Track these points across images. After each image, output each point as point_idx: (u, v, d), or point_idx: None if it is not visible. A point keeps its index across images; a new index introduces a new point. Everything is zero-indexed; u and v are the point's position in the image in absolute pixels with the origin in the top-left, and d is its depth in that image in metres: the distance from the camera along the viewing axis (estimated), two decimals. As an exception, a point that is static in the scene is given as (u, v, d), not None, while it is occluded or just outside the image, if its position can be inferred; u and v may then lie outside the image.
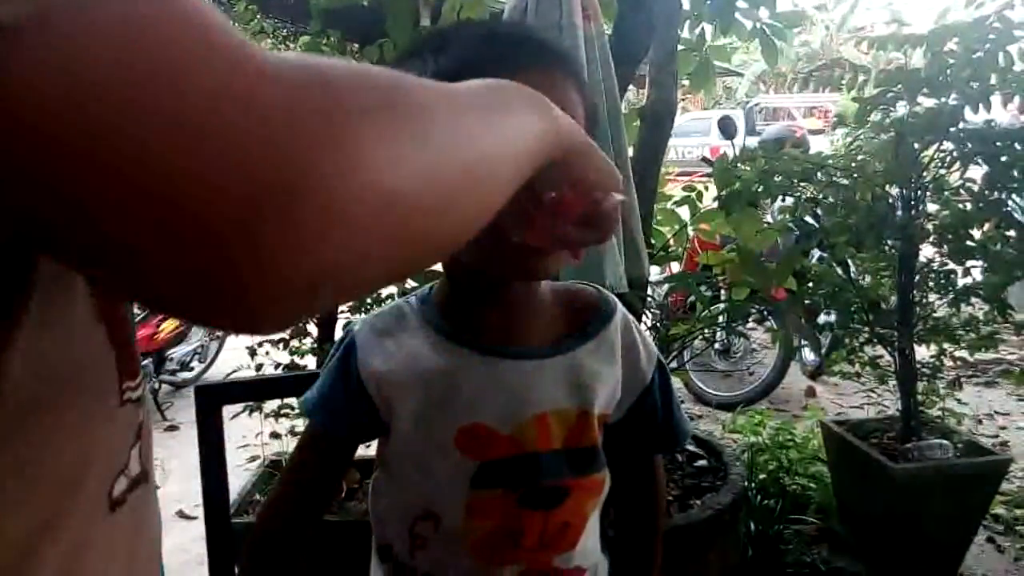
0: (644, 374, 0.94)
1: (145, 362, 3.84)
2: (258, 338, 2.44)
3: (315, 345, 2.40)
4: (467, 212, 0.38)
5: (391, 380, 0.86)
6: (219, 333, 4.66)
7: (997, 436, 3.85)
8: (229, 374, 2.50)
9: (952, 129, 2.47)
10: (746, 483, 2.50)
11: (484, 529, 0.86)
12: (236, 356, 3.12)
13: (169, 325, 4.27)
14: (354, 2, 2.29)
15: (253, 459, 2.69)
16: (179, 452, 3.30)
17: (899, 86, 2.41)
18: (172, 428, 3.93)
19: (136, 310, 3.57)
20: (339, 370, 0.89)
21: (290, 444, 2.60)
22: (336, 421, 0.90)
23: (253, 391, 1.62)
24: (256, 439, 2.49)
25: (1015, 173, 2.49)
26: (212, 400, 1.23)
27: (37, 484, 0.38)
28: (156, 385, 4.16)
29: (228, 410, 2.76)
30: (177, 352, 4.41)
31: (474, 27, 0.99)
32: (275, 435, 2.51)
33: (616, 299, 0.95)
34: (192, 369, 4.58)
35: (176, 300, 0.29)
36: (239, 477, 2.60)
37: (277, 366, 2.39)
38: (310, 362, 2.47)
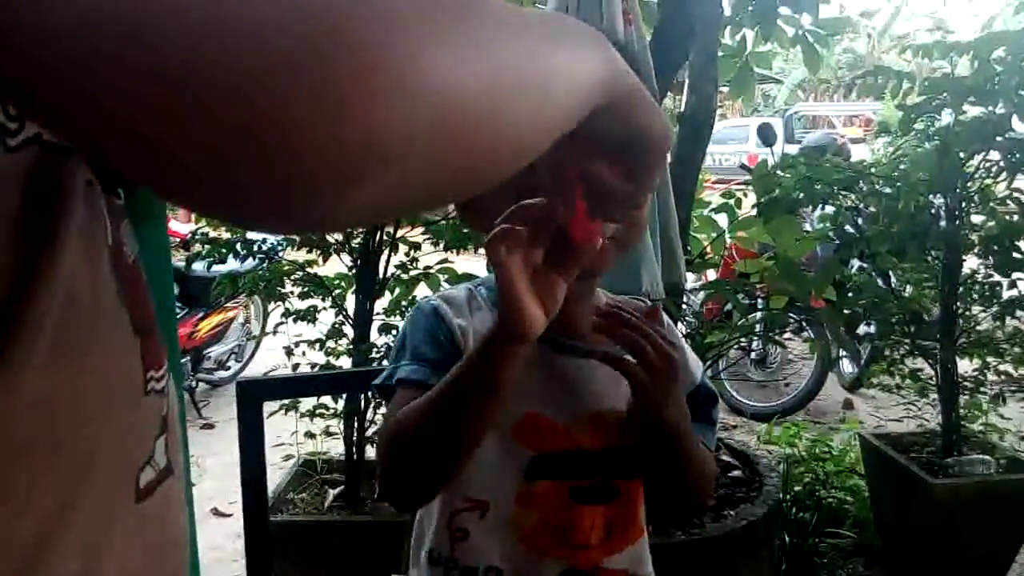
0: (693, 375, 0.96)
1: (183, 360, 3.89)
2: (296, 339, 2.47)
3: (351, 346, 2.41)
4: (522, 131, 0.36)
5: (467, 351, 0.83)
6: (255, 333, 4.72)
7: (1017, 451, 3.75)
8: (266, 373, 2.52)
9: (999, 138, 2.42)
10: (781, 495, 2.47)
11: (534, 520, 0.87)
12: (272, 356, 3.16)
13: (207, 324, 4.33)
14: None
15: (288, 458, 2.72)
16: (216, 450, 3.35)
17: (944, 94, 2.36)
18: (208, 426, 3.98)
19: (177, 306, 3.59)
20: (429, 329, 0.88)
21: (324, 444, 2.63)
22: (435, 375, 0.85)
23: (294, 387, 1.64)
24: (291, 438, 2.51)
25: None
26: (254, 395, 1.24)
27: (59, 454, 0.38)
28: (193, 383, 4.21)
29: (264, 408, 2.79)
30: (214, 351, 4.47)
31: None
32: (310, 435, 2.53)
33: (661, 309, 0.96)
34: (229, 368, 4.63)
35: (205, 171, 0.25)
36: (274, 475, 2.63)
37: (313, 366, 2.41)
38: (345, 363, 2.49)
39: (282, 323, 2.48)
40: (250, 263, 2.58)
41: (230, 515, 2.88)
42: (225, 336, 4.55)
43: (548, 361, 0.87)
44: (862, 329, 2.98)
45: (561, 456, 0.87)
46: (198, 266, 2.70)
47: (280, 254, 2.61)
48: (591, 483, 0.88)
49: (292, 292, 2.45)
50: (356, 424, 2.42)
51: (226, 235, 2.48)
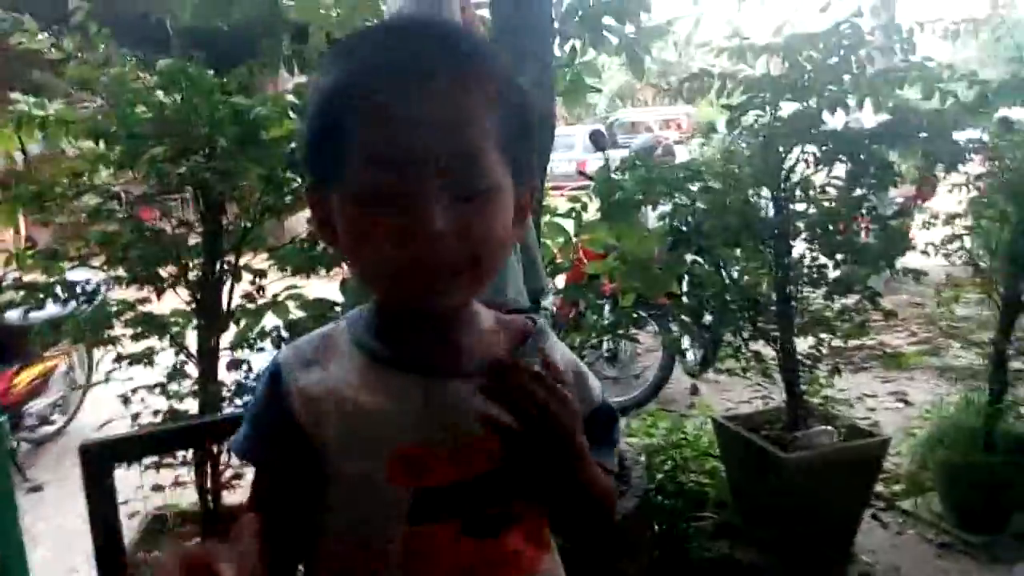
0: (593, 396, 0.91)
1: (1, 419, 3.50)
2: (130, 384, 2.27)
3: (196, 387, 2.24)
4: None
5: (319, 408, 0.81)
6: (80, 382, 4.32)
7: (867, 418, 4.07)
8: (101, 426, 2.30)
9: (814, 131, 2.60)
10: (647, 486, 2.53)
11: (433, 570, 0.80)
12: (103, 405, 2.89)
13: (25, 378, 3.91)
14: (217, 23, 2.18)
15: (133, 515, 2.48)
16: (45, 514, 3.03)
17: (765, 93, 2.51)
18: (35, 489, 3.60)
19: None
20: (265, 398, 0.84)
21: (174, 496, 2.43)
22: (270, 452, 0.85)
23: (147, 445, 1.47)
24: (136, 492, 2.30)
25: (872, 170, 2.65)
26: (101, 459, 1.10)
27: None
28: (15, 444, 3.79)
29: (103, 465, 2.54)
30: (35, 406, 4.04)
31: (384, 29, 0.95)
32: (158, 487, 2.33)
33: (547, 327, 0.92)
34: (54, 423, 4.21)
35: None
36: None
37: (156, 413, 2.21)
38: (191, 405, 2.31)
39: (114, 369, 2.27)
40: (71, 306, 2.35)
41: (71, 587, 2.60)
42: (47, 389, 4.12)
43: (427, 393, 0.81)
44: (707, 318, 3.12)
45: (446, 490, 0.80)
46: (12, 314, 2.43)
47: (103, 294, 2.39)
48: (489, 513, 0.82)
49: (124, 334, 2.24)
50: (209, 471, 2.26)
51: (41, 278, 2.25)
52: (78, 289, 2.20)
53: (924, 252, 2.74)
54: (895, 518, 3.10)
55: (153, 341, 2.26)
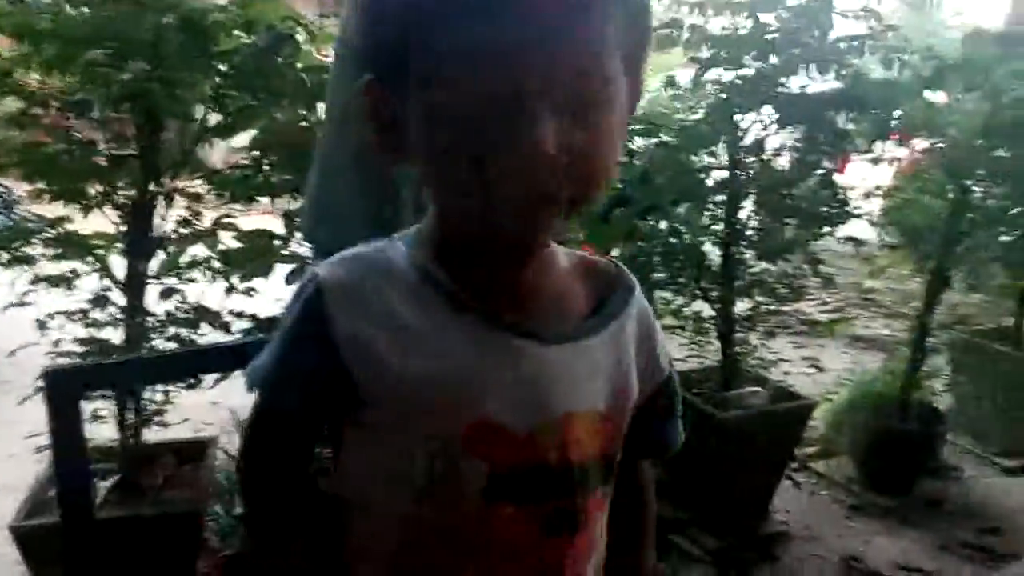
0: (662, 369, 0.80)
1: None
2: (48, 309, 2.08)
3: (123, 316, 2.07)
4: None
5: (376, 349, 0.66)
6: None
7: (782, 382, 4.20)
8: (12, 352, 2.11)
9: (772, 94, 2.58)
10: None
11: (496, 557, 0.69)
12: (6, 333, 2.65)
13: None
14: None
15: (41, 450, 2.31)
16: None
17: (730, 50, 2.48)
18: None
19: None
20: (300, 337, 0.69)
21: (91, 432, 2.26)
22: (298, 403, 0.71)
23: (125, 373, 1.32)
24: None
25: (822, 136, 2.67)
26: (68, 388, 0.97)
27: None
28: None
29: (15, 391, 2.35)
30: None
31: None
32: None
33: (632, 276, 0.79)
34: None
35: None
36: (26, 472, 2.24)
37: (80, 342, 2.04)
38: (112, 335, 2.14)
39: (31, 291, 2.07)
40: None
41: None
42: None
43: (506, 354, 0.68)
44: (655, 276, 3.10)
45: (524, 473, 0.68)
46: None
47: (19, 208, 2.18)
48: (562, 506, 0.70)
49: (43, 255, 2.04)
50: (131, 404, 2.11)
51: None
52: (-2, 201, 1.98)
53: (872, 222, 2.80)
54: (808, 479, 3.22)
55: (74, 264, 2.07)
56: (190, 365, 1.38)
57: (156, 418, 2.23)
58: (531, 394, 0.68)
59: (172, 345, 2.05)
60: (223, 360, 1.26)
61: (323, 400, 0.70)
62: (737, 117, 2.62)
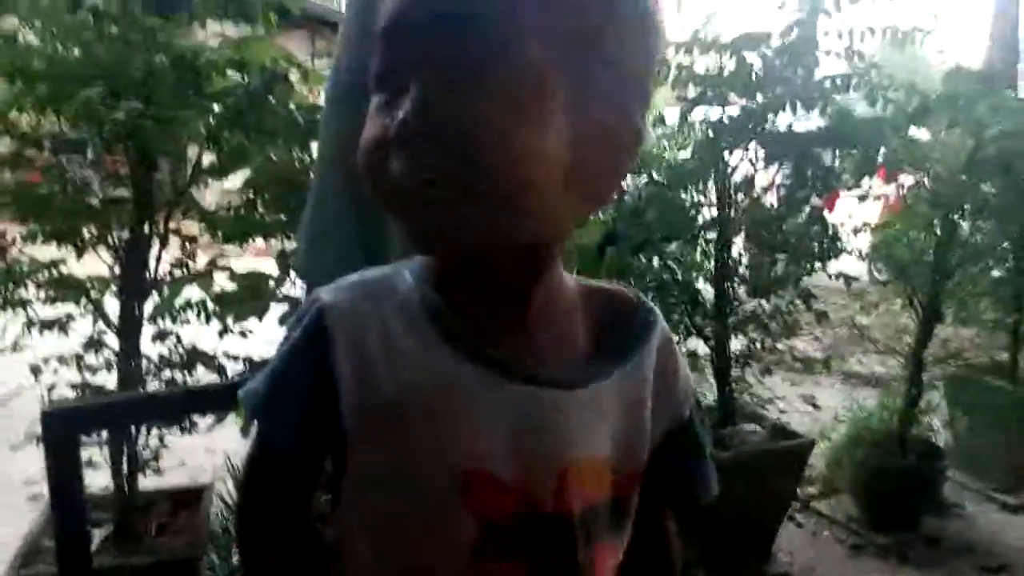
0: (679, 408, 0.74)
1: None
2: (42, 354, 2.06)
3: (117, 359, 2.06)
4: None
5: (372, 377, 0.63)
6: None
7: (778, 420, 4.18)
8: (3, 403, 2.08)
9: (759, 131, 2.62)
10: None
11: None
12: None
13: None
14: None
15: (35, 499, 2.28)
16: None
17: (717, 89, 2.52)
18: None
19: None
20: (302, 355, 0.66)
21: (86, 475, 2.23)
22: (293, 431, 0.67)
23: (123, 413, 1.29)
24: (41, 473, 2.10)
25: (809, 173, 2.71)
26: (65, 428, 0.95)
27: None
28: None
29: (6, 439, 2.31)
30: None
31: None
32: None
33: (655, 307, 0.74)
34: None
35: None
36: (20, 522, 2.20)
37: (75, 387, 2.02)
38: (106, 379, 2.12)
39: (22, 336, 2.05)
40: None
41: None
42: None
43: (503, 397, 0.64)
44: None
45: (520, 526, 0.64)
46: None
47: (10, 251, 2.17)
48: (562, 558, 0.66)
49: (37, 298, 2.03)
50: (126, 450, 2.08)
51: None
52: (-8, 243, 1.98)
53: (861, 257, 2.82)
54: (809, 519, 3.18)
55: (69, 307, 2.06)
56: (189, 404, 1.36)
57: (151, 463, 2.20)
58: (530, 442, 0.64)
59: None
60: (223, 398, 1.25)
61: (318, 424, 0.66)
62: (725, 154, 2.65)
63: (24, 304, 2.00)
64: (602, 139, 0.60)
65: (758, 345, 2.81)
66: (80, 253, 2.00)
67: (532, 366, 0.65)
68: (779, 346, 2.94)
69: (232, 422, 2.19)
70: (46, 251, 2.01)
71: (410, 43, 0.56)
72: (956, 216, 2.79)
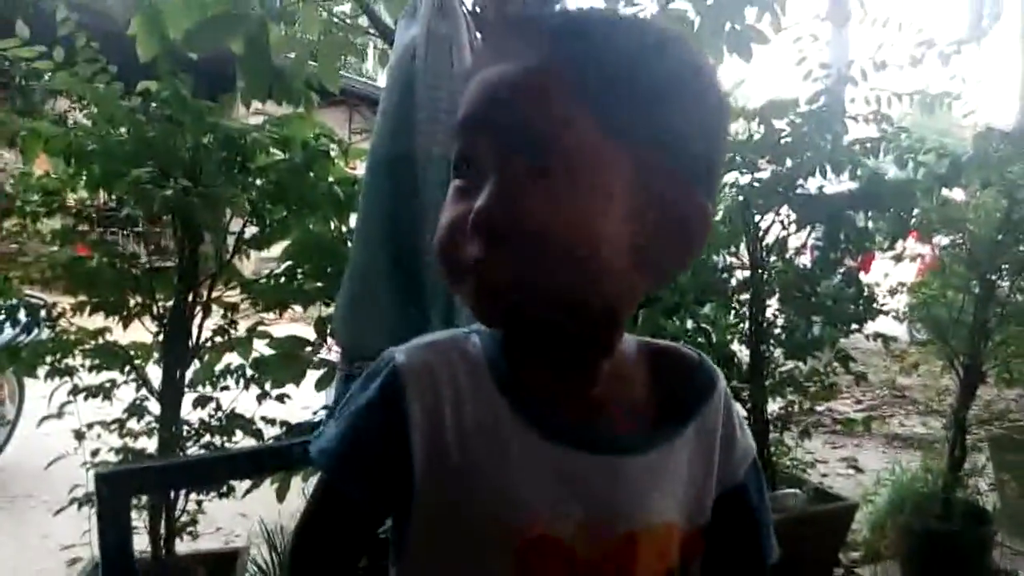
0: (734, 472, 0.73)
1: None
2: (87, 420, 2.11)
3: (158, 424, 2.10)
4: None
5: (442, 440, 0.64)
6: (8, 417, 4.04)
7: (820, 484, 4.09)
8: (51, 463, 2.13)
9: (791, 194, 2.64)
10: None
11: None
12: (36, 444, 2.68)
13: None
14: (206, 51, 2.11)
15: (74, 562, 2.31)
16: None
17: (746, 156, 2.55)
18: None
19: None
20: (377, 413, 0.66)
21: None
22: (365, 485, 0.67)
23: (175, 477, 1.33)
24: (82, 536, 2.13)
25: (843, 235, 2.71)
26: (118, 490, 0.99)
27: None
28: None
29: (45, 504, 2.35)
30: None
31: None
32: (104, 532, 2.15)
33: (715, 366, 0.75)
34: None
35: None
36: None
37: (117, 452, 2.06)
38: (147, 445, 2.17)
39: (69, 402, 2.11)
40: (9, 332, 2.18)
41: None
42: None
43: (565, 464, 0.64)
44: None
45: None
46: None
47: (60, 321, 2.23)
48: None
49: (83, 365, 2.09)
50: (164, 514, 2.11)
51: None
52: (43, 314, 2.04)
53: (899, 318, 2.79)
54: (855, 585, 3.09)
55: (113, 373, 2.12)
56: (234, 468, 1.39)
57: (188, 528, 2.23)
58: (595, 509, 0.64)
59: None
60: (265, 463, 1.28)
61: (390, 480, 0.66)
62: (756, 217, 2.67)
63: (71, 372, 2.06)
64: (666, 216, 0.62)
65: (796, 407, 2.78)
66: (126, 323, 2.06)
67: (599, 434, 0.66)
68: (817, 408, 2.90)
69: (266, 486, 2.22)
70: (93, 320, 2.08)
71: (484, 136, 0.61)
72: (993, 276, 2.76)
